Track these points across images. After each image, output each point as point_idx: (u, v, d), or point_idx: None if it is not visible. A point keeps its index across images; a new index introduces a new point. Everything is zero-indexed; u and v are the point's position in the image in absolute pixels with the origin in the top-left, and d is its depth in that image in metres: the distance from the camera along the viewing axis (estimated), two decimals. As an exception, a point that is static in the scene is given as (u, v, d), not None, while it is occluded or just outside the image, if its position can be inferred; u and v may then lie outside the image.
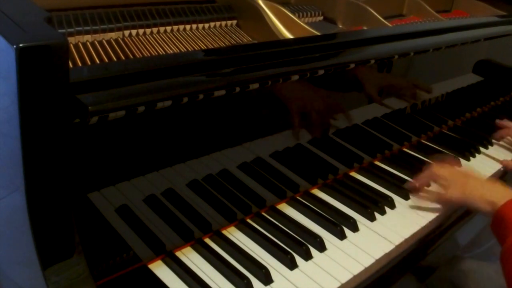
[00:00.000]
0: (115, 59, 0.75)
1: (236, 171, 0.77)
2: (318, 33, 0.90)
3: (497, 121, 1.22)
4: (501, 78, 1.42)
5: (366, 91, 0.96)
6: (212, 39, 0.90)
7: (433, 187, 0.91)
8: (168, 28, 0.88)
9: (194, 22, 0.92)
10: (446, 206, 0.88)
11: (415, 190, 0.91)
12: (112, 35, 0.81)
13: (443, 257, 0.97)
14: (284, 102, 0.79)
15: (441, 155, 1.07)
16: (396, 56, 0.92)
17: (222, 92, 0.66)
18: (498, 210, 0.77)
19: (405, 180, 0.96)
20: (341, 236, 0.78)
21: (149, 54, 0.79)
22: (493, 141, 1.19)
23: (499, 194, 0.80)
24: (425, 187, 0.92)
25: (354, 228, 0.80)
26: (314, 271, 0.71)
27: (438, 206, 0.88)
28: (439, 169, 0.90)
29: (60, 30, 0.76)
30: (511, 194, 0.79)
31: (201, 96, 0.63)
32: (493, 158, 1.11)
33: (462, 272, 0.96)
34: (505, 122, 1.20)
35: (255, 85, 0.70)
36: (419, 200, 0.90)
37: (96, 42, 0.79)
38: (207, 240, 0.74)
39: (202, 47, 0.86)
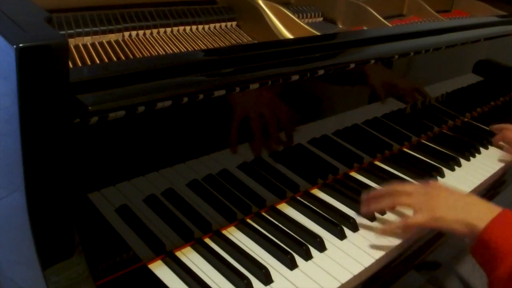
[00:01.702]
0: (115, 59, 0.75)
1: (236, 171, 0.77)
2: (318, 33, 0.90)
3: (491, 126, 1.20)
4: (501, 78, 1.42)
5: (377, 90, 0.95)
6: (212, 39, 0.90)
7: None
8: (168, 30, 0.88)
9: (194, 23, 0.92)
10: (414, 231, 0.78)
11: (369, 215, 0.81)
12: (112, 36, 0.82)
13: (449, 252, 0.96)
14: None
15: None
16: (396, 56, 0.92)
17: (222, 92, 0.66)
18: (480, 236, 0.67)
19: (405, 180, 0.96)
20: (341, 236, 0.78)
21: (149, 55, 0.79)
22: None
23: (476, 214, 0.70)
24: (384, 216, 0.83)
25: (354, 228, 0.80)
26: (314, 271, 0.71)
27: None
28: (398, 188, 0.79)
29: (60, 32, 0.76)
30: (489, 212, 0.69)
31: (201, 96, 0.63)
32: (493, 158, 1.11)
33: (469, 265, 0.95)
34: (500, 126, 1.17)
35: (255, 85, 0.70)
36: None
37: (96, 43, 0.79)
38: (207, 240, 0.74)
39: (202, 47, 0.86)
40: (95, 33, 0.79)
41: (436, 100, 1.16)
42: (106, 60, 0.75)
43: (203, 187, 0.72)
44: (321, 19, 1.13)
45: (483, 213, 0.69)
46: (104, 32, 0.80)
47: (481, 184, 1.01)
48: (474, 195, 0.79)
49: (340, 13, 1.12)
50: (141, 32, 0.85)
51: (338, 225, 0.79)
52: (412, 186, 0.81)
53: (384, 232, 0.78)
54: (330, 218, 0.81)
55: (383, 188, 0.82)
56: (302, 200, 0.86)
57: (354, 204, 0.86)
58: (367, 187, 0.93)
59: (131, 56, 0.77)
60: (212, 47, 0.87)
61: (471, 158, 1.10)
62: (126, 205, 0.64)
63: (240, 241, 0.75)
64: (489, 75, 1.32)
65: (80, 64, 0.72)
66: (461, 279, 0.91)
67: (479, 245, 0.67)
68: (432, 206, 0.74)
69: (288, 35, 0.93)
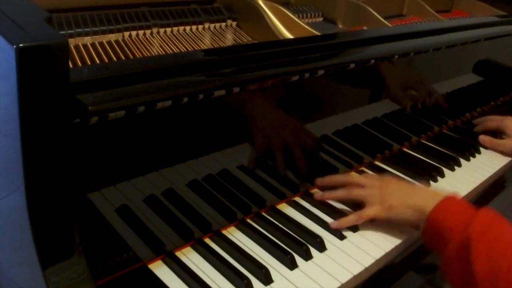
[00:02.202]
0: (115, 59, 0.75)
1: (236, 171, 0.77)
2: (318, 33, 0.90)
3: (474, 121, 1.23)
4: (501, 78, 1.42)
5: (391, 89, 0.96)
6: (212, 39, 0.90)
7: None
8: (168, 30, 0.88)
9: (194, 23, 0.92)
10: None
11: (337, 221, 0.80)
12: (112, 36, 0.82)
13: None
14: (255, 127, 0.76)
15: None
16: (396, 56, 0.92)
17: (222, 92, 0.66)
18: (428, 219, 0.70)
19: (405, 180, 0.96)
20: (341, 236, 0.78)
21: (149, 55, 0.79)
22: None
23: (423, 200, 0.73)
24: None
25: (354, 228, 0.80)
26: (314, 271, 0.71)
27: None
28: (351, 180, 0.82)
29: (60, 32, 0.76)
30: (436, 198, 0.72)
31: (201, 96, 0.63)
32: (493, 158, 1.11)
33: None
34: (481, 119, 1.21)
35: (255, 85, 0.70)
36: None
37: (97, 43, 0.79)
38: (207, 240, 0.74)
39: (202, 47, 0.86)
40: (95, 33, 0.79)
41: (436, 100, 1.16)
42: (106, 60, 0.75)
43: (203, 187, 0.72)
44: (321, 19, 1.13)
45: (430, 199, 0.72)
46: (104, 32, 0.80)
47: (481, 184, 1.01)
48: (421, 185, 0.83)
49: (340, 13, 1.12)
50: (141, 32, 0.85)
51: (338, 225, 0.79)
52: (365, 179, 0.83)
53: (340, 225, 0.79)
54: (330, 218, 0.81)
55: (338, 176, 0.85)
56: (303, 200, 0.86)
57: (354, 204, 0.85)
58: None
59: (131, 56, 0.77)
60: (212, 47, 0.87)
61: (471, 158, 1.10)
62: (126, 205, 0.64)
63: (240, 241, 0.75)
64: (489, 75, 1.32)
65: (80, 64, 0.72)
66: None
67: (428, 228, 0.71)
68: (383, 198, 0.77)
69: (288, 35, 0.93)
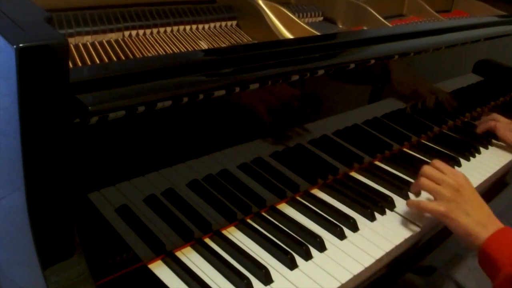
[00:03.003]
0: (115, 59, 0.75)
1: (236, 171, 0.77)
2: (318, 33, 0.90)
3: (477, 122, 1.24)
4: (501, 78, 1.42)
5: (377, 90, 0.96)
6: (212, 39, 0.90)
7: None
8: (168, 29, 0.88)
9: (194, 22, 0.92)
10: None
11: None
12: (112, 35, 0.81)
13: (444, 256, 0.97)
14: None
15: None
16: (396, 56, 0.92)
17: (222, 92, 0.66)
18: (481, 249, 0.74)
19: (405, 180, 0.96)
20: (341, 236, 0.78)
21: (149, 55, 0.79)
22: (493, 141, 1.19)
23: (483, 223, 0.76)
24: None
25: (354, 228, 0.80)
26: (314, 271, 0.71)
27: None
28: (424, 180, 0.84)
29: (60, 31, 0.76)
30: (494, 223, 0.76)
31: (201, 96, 0.63)
32: (493, 158, 1.11)
33: (466, 270, 0.96)
34: (484, 118, 1.22)
35: (255, 85, 0.70)
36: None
37: (96, 43, 0.79)
38: (207, 240, 0.74)
39: (202, 47, 0.86)
40: (95, 32, 0.79)
41: (436, 100, 1.16)
42: (106, 60, 0.74)
43: (203, 187, 0.72)
44: (321, 19, 1.13)
45: (488, 226, 0.75)
46: (104, 32, 0.80)
47: (482, 184, 1.01)
48: (488, 207, 0.82)
49: (340, 13, 1.12)
50: (141, 32, 0.85)
51: (338, 225, 0.79)
52: (445, 176, 0.83)
53: (409, 205, 0.84)
54: (330, 218, 0.81)
55: (424, 167, 0.86)
56: (302, 200, 0.86)
57: (354, 204, 0.86)
58: (367, 187, 0.93)
59: (131, 56, 0.77)
60: (212, 47, 0.87)
61: (471, 158, 1.10)
62: (126, 205, 0.64)
63: (240, 241, 0.75)
64: (489, 75, 1.32)
65: (80, 64, 0.72)
66: (456, 283, 0.92)
67: (482, 256, 0.74)
68: (453, 206, 0.79)
69: (288, 35, 0.93)
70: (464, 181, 0.83)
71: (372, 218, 0.83)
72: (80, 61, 0.72)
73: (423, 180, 0.84)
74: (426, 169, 0.85)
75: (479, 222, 0.76)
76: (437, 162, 0.87)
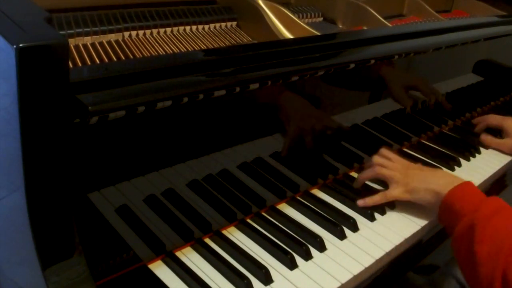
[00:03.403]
0: (115, 59, 0.75)
1: (236, 171, 0.77)
2: (318, 33, 0.90)
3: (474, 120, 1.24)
4: (501, 78, 1.42)
5: (377, 90, 0.97)
6: (212, 39, 0.90)
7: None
8: (168, 30, 0.88)
9: (194, 23, 0.92)
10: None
11: (362, 199, 0.86)
12: (112, 36, 0.82)
13: (446, 255, 0.96)
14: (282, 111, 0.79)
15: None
16: (396, 56, 0.92)
17: (222, 92, 0.66)
18: (443, 201, 0.78)
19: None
20: (341, 236, 0.78)
21: (149, 55, 0.79)
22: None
23: (442, 183, 0.80)
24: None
25: (354, 228, 0.80)
26: (314, 271, 0.71)
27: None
28: (379, 161, 0.90)
29: (60, 32, 0.76)
30: (453, 181, 0.80)
31: (201, 96, 0.63)
32: (493, 158, 1.11)
33: None
34: (481, 117, 1.23)
35: (255, 85, 0.70)
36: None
37: (97, 43, 0.79)
38: (207, 240, 0.74)
39: (202, 47, 0.86)
40: (95, 33, 0.79)
41: (436, 100, 1.16)
42: (106, 60, 0.75)
43: (203, 187, 0.72)
44: (321, 19, 1.13)
45: (448, 183, 0.79)
46: (104, 32, 0.80)
47: (481, 184, 1.01)
48: (441, 170, 0.93)
49: (340, 13, 1.12)
50: (141, 32, 0.85)
51: (338, 225, 0.79)
52: (393, 163, 0.89)
53: (365, 203, 0.85)
54: (330, 218, 0.81)
55: (374, 157, 0.92)
56: (302, 200, 0.86)
57: (354, 204, 0.86)
58: (367, 187, 0.93)
59: (131, 56, 0.77)
60: (212, 47, 0.87)
61: (471, 158, 1.10)
62: (126, 205, 0.64)
63: (240, 241, 0.75)
64: (489, 75, 1.32)
65: (80, 64, 0.72)
66: (458, 281, 0.92)
67: (443, 209, 0.78)
68: (407, 181, 0.85)
69: (288, 35, 0.93)
70: (404, 160, 0.90)
71: (372, 218, 0.83)
72: (80, 61, 0.72)
73: (378, 169, 0.88)
74: (376, 158, 0.91)
75: (438, 184, 0.81)
76: (384, 150, 0.93)
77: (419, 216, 0.85)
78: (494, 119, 1.20)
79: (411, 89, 1.07)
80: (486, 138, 1.15)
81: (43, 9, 0.56)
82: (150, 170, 0.65)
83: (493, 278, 0.64)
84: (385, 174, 0.87)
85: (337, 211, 0.84)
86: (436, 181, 0.82)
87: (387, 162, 0.89)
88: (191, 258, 0.71)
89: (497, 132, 1.19)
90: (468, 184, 0.80)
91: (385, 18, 1.07)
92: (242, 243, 0.75)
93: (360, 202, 0.85)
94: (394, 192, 0.85)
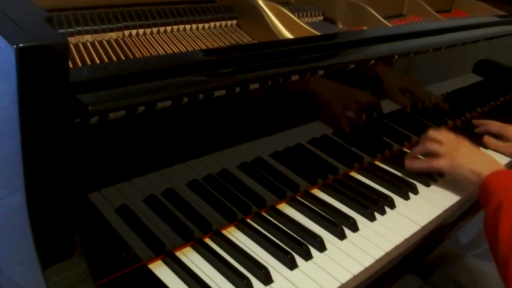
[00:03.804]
0: (115, 59, 0.75)
1: (236, 171, 0.77)
2: (318, 33, 0.90)
3: (474, 121, 1.25)
4: (501, 78, 1.42)
5: (389, 92, 1.00)
6: (212, 39, 0.90)
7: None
8: (168, 28, 0.88)
9: (194, 22, 0.92)
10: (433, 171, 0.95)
11: (410, 159, 0.96)
12: (112, 35, 0.81)
13: (444, 256, 0.97)
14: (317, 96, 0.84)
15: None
16: (396, 56, 0.92)
17: (222, 92, 0.66)
18: (484, 181, 0.83)
19: (405, 180, 0.96)
20: (341, 236, 0.78)
21: (149, 54, 0.79)
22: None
23: (486, 166, 0.86)
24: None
25: (354, 228, 0.80)
26: (314, 271, 0.71)
27: (437, 206, 0.89)
28: (433, 136, 0.95)
29: (60, 30, 0.76)
30: (496, 167, 0.86)
31: (201, 96, 0.63)
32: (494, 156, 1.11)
33: (465, 271, 0.97)
34: (482, 121, 1.23)
35: (255, 85, 0.70)
36: (419, 200, 0.90)
37: (96, 42, 0.79)
38: (207, 240, 0.74)
39: (202, 47, 0.86)
40: (95, 31, 0.79)
41: (436, 100, 1.16)
42: (106, 59, 0.74)
43: (203, 187, 0.72)
44: (321, 18, 1.13)
45: (490, 167, 0.86)
46: (104, 31, 0.80)
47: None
48: (487, 154, 0.96)
49: (340, 13, 1.12)
50: (141, 31, 0.85)
51: (338, 225, 0.79)
52: (444, 136, 0.96)
53: (412, 165, 0.96)
54: (330, 218, 0.81)
55: (430, 131, 0.98)
56: (302, 200, 0.86)
57: (354, 204, 0.86)
58: (367, 187, 0.93)
59: (131, 56, 0.77)
60: (212, 47, 0.87)
61: (471, 158, 1.09)
62: (126, 205, 0.64)
63: (240, 241, 0.75)
64: (489, 75, 1.32)
65: (80, 64, 0.72)
66: (456, 283, 0.92)
67: (482, 189, 0.84)
68: (455, 156, 0.91)
69: (288, 35, 0.93)
70: (455, 137, 0.96)
71: (372, 218, 0.83)
72: (80, 61, 0.72)
73: (429, 143, 0.95)
74: (428, 134, 0.97)
75: (483, 163, 0.87)
76: (433, 130, 0.98)
77: (419, 217, 0.85)
78: (495, 126, 1.20)
79: (405, 91, 1.07)
80: (489, 140, 1.15)
81: (43, 9, 0.56)
82: (150, 170, 0.65)
83: (508, 254, 0.70)
84: (436, 148, 0.93)
85: (337, 211, 0.84)
86: (482, 162, 0.88)
87: (439, 136, 0.95)
88: (191, 258, 0.70)
89: (498, 136, 1.18)
90: (506, 171, 0.86)
91: (385, 18, 1.07)
92: (242, 243, 0.75)
93: (408, 163, 0.95)
94: (440, 164, 0.91)
